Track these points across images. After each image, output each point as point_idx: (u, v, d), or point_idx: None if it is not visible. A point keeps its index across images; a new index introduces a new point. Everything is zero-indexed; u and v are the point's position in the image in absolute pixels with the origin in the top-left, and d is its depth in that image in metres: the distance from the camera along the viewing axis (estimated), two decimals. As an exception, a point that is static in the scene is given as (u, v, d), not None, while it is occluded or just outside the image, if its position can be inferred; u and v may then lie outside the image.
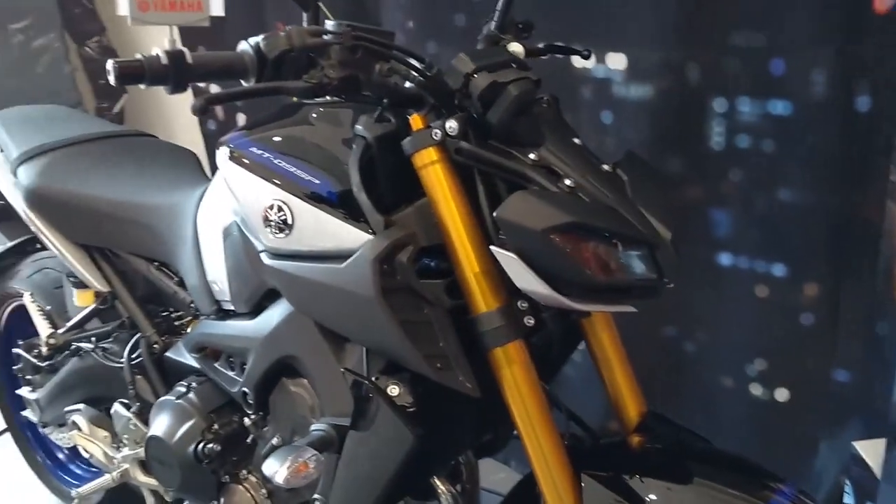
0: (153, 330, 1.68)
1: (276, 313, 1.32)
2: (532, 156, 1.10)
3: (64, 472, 2.27)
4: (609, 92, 2.03)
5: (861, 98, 1.72)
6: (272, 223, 1.21)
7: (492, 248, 1.08)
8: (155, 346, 1.67)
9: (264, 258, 1.25)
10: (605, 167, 1.14)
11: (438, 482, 1.45)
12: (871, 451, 1.77)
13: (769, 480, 1.14)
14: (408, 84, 1.13)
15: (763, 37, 1.79)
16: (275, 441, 1.40)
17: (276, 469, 1.15)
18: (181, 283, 1.63)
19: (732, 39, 1.83)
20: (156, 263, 1.68)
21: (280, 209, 1.20)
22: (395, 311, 1.10)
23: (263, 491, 1.46)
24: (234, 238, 1.37)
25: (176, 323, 1.69)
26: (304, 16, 1.24)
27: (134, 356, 1.70)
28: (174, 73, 0.99)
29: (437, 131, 1.11)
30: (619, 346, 1.31)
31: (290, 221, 1.19)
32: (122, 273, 1.75)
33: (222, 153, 1.30)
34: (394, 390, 1.17)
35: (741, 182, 1.90)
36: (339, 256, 1.15)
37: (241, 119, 2.78)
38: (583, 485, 1.14)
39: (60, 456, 2.28)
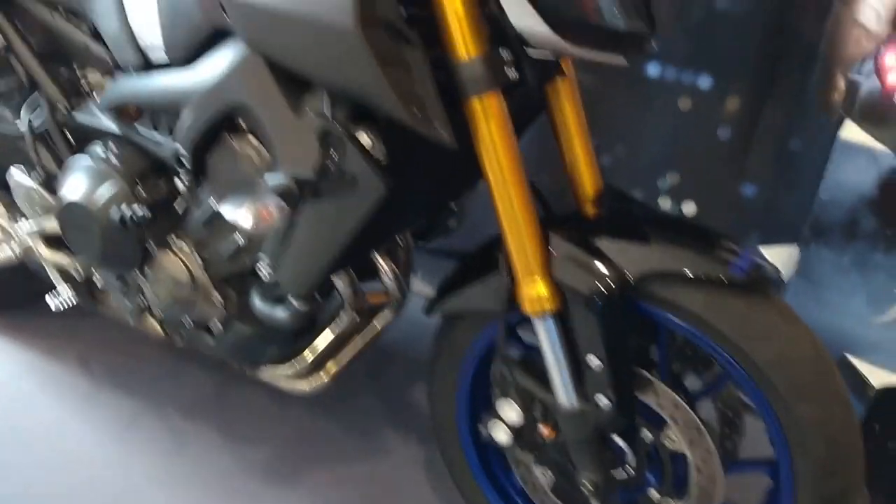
0: (57, 89, 1.50)
1: (222, 58, 1.18)
2: None
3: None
4: None
5: None
6: (229, -56, 1.07)
7: (490, -24, 1.00)
8: (60, 107, 1.49)
9: (216, -13, 1.11)
10: None
11: (380, 258, 1.42)
12: (777, 256, 1.88)
13: (726, 242, 1.16)
14: None
15: None
16: (214, 205, 1.30)
17: (238, 212, 1.07)
18: (95, 35, 1.44)
19: None
20: (61, 10, 1.48)
21: (240, -74, 1.06)
22: (373, 46, 1.01)
23: (198, 259, 1.37)
24: (170, -27, 1.21)
25: (84, 81, 1.51)
26: None
27: (35, 120, 1.52)
28: None
29: None
30: (581, 119, 1.28)
31: (251, -58, 1.06)
32: (17, 24, 1.53)
33: None
34: (364, 138, 1.10)
35: (678, -11, 1.87)
36: None
37: None
38: (550, 244, 1.13)
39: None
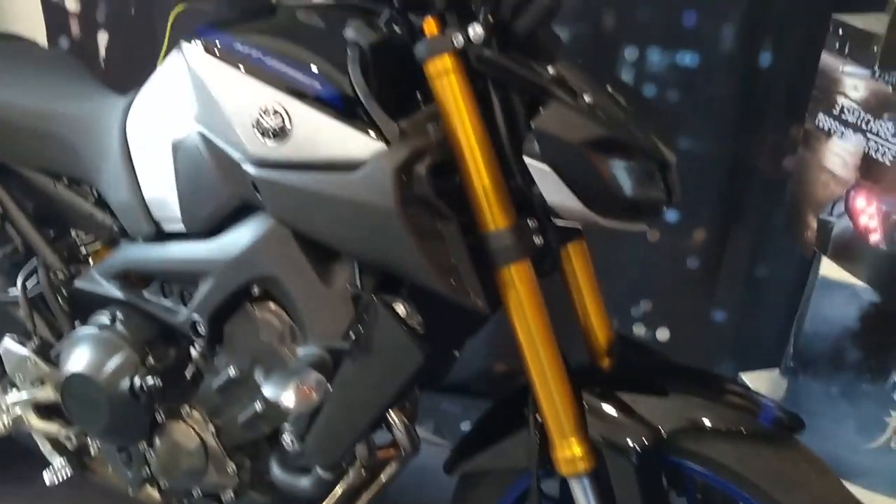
0: (55, 255, 1.48)
1: (248, 231, 1.20)
2: (550, 70, 1.08)
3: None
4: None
5: (764, 54, 1.86)
6: (264, 129, 1.10)
7: (525, 158, 1.05)
8: (58, 273, 1.47)
9: (248, 168, 1.14)
10: (609, 88, 1.14)
11: (392, 413, 1.41)
12: (758, 381, 1.95)
13: (738, 388, 1.21)
14: None
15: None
16: (231, 372, 1.29)
17: (281, 392, 1.06)
18: (99, 203, 1.44)
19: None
20: (64, 180, 1.48)
21: (276, 113, 1.09)
22: (412, 224, 1.05)
23: (211, 427, 1.35)
24: (192, 150, 1.22)
25: (84, 247, 1.50)
26: None
27: (30, 286, 1.49)
28: None
29: (459, 37, 1.05)
30: (592, 276, 1.33)
31: (287, 127, 1.09)
32: (13, 191, 1.52)
33: (193, 50, 1.16)
34: (399, 307, 1.12)
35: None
36: (343, 166, 1.07)
37: (102, 38, 2.49)
38: (585, 403, 1.16)
39: None
